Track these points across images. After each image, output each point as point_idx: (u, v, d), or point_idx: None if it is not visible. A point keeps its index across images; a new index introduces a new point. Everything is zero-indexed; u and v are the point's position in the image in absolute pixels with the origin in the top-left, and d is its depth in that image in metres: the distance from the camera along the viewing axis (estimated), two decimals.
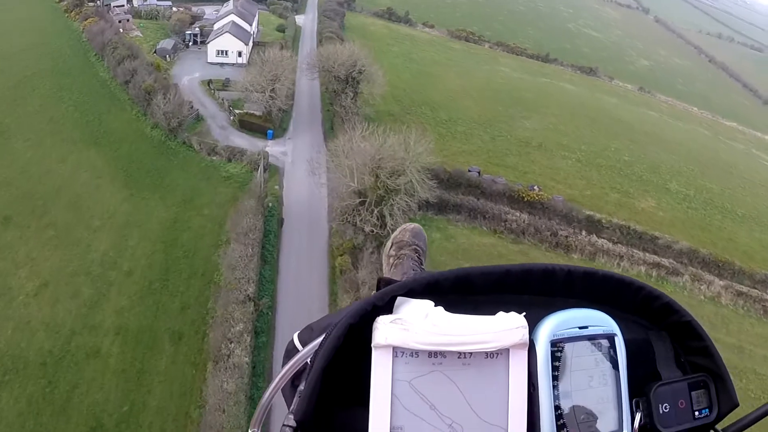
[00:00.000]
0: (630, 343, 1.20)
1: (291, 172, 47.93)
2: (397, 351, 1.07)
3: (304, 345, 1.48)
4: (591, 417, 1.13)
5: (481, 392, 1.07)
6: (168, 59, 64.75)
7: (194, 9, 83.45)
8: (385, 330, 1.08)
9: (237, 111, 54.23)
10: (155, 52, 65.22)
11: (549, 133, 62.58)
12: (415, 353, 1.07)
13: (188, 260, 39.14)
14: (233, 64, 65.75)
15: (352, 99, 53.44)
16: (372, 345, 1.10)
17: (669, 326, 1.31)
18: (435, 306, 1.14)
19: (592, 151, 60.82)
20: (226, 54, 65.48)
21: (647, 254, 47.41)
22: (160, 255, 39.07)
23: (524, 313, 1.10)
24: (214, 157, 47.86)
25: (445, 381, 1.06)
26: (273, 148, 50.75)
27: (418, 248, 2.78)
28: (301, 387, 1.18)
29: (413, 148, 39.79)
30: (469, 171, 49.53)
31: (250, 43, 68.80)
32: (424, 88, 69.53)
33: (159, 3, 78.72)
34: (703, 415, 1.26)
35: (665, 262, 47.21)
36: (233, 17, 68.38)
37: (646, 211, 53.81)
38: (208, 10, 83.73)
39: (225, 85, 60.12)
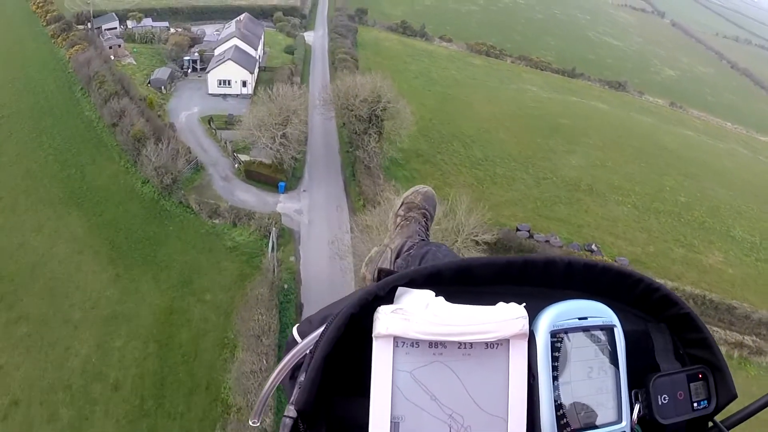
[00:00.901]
0: (629, 335, 1.17)
1: (308, 236, 39.00)
2: (397, 341, 1.05)
3: (303, 337, 1.45)
4: (590, 407, 1.10)
5: (482, 382, 1.05)
6: (164, 91, 55.80)
7: (194, 29, 74.36)
8: (386, 320, 1.06)
9: (242, 158, 45.37)
10: (149, 83, 56.18)
11: (596, 171, 53.74)
12: (415, 343, 1.05)
13: (188, 367, 30.41)
14: (237, 95, 56.68)
15: (376, 141, 44.73)
16: (373, 335, 1.07)
17: (668, 318, 1.27)
18: (436, 296, 1.12)
19: (647, 193, 52.01)
20: (229, 84, 56.51)
21: (727, 331, 39.22)
22: (153, 360, 30.34)
23: (524, 304, 1.08)
24: (217, 221, 39.00)
25: (445, 371, 1.05)
26: (286, 204, 41.89)
27: (426, 212, 2.68)
28: (301, 378, 1.14)
29: (464, 222, 31.23)
30: (518, 230, 40.77)
31: (256, 70, 59.82)
32: (452, 116, 60.68)
33: (155, 24, 69.66)
34: (701, 406, 1.23)
35: (748, 340, 39.00)
36: (236, 41, 59.24)
37: (714, 269, 45.12)
38: (209, 30, 74.64)
39: (228, 122, 51.22)
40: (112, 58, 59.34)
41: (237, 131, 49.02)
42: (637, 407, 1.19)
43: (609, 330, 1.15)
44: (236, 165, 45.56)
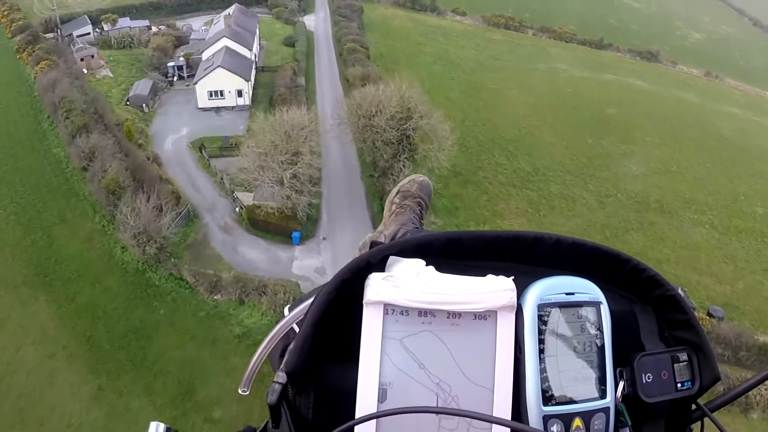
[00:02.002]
0: (615, 314, 1.16)
1: None
2: (388, 308, 1.04)
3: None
4: (575, 382, 1.09)
5: (469, 353, 1.04)
6: (146, 109, 45.62)
7: (179, 24, 63.47)
8: (376, 286, 1.04)
9: (244, 199, 35.66)
10: (128, 101, 46.23)
11: (662, 179, 44.04)
12: (405, 311, 1.04)
13: None
14: (232, 107, 46.49)
15: (409, 169, 35.09)
16: (363, 301, 1.06)
17: (653, 300, 1.25)
18: (426, 266, 1.10)
19: (722, 206, 42.40)
20: (222, 95, 46.18)
21: None
22: None
23: (513, 277, 1.07)
24: (219, 297, 29.73)
25: (434, 340, 1.04)
26: (303, 261, 32.36)
27: (422, 201, 2.58)
28: (291, 345, 1.11)
29: None
30: None
31: (252, 74, 49.43)
32: (485, 113, 50.59)
33: (133, 24, 58.74)
34: (685, 387, 1.22)
35: None
36: (226, 42, 48.33)
37: None
38: (197, 24, 63.62)
39: (223, 147, 41.46)
40: (85, 71, 48.96)
41: (234, 155, 39.53)
42: (621, 384, 1.16)
43: (596, 306, 1.11)
44: (237, 209, 36.03)
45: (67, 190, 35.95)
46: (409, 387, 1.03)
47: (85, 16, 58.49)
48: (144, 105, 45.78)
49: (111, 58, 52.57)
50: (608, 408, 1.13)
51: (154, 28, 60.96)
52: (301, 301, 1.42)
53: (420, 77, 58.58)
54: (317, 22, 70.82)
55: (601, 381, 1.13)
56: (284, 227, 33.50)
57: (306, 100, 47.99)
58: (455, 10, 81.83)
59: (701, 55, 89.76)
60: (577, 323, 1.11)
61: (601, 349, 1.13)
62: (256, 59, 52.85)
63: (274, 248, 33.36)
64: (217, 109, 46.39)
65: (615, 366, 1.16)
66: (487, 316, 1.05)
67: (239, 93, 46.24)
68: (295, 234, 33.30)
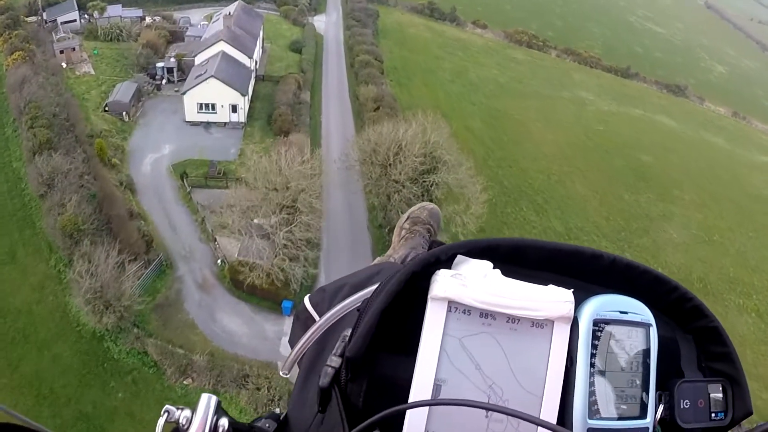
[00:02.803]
0: (660, 339, 1.16)
1: None
2: (451, 306, 1.03)
3: (315, 306, 1.48)
4: (620, 399, 1.10)
5: (524, 359, 1.04)
6: (127, 118, 39.22)
7: (176, 16, 56.69)
8: (444, 282, 1.03)
9: (226, 249, 29.67)
10: (106, 107, 39.79)
11: (704, 250, 38.46)
12: (467, 311, 1.03)
13: None
14: (225, 123, 40.12)
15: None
16: (429, 296, 1.05)
17: (695, 329, 1.24)
18: (493, 269, 1.11)
19: (767, 287, 37.40)
20: (213, 108, 39.52)
21: None
22: None
23: (572, 290, 1.06)
24: (189, 382, 23.95)
25: (492, 343, 1.03)
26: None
27: (431, 228, 2.62)
28: (347, 332, 1.12)
29: None
30: None
31: (251, 86, 43.00)
32: (509, 150, 44.57)
33: (125, 14, 51.96)
34: (718, 417, 1.21)
35: None
36: (223, 46, 41.60)
37: None
38: (196, 17, 56.69)
39: (209, 175, 35.33)
40: (64, 66, 42.31)
41: (221, 187, 33.56)
42: (660, 408, 1.16)
43: (646, 328, 1.11)
44: (219, 261, 29.93)
45: (23, 218, 29.64)
46: (463, 386, 1.01)
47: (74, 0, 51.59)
48: (124, 113, 39.27)
49: (95, 52, 45.87)
50: (647, 429, 1.12)
51: (147, 19, 54.08)
52: (324, 292, 1.50)
53: (437, 98, 52.77)
54: (328, 24, 64.26)
55: (643, 402, 1.11)
56: (273, 293, 27.49)
57: (309, 123, 41.84)
58: (476, 23, 75.52)
59: (726, 91, 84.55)
60: (626, 342, 1.09)
61: (647, 371, 1.10)
62: (257, 66, 46.38)
63: (260, 319, 27.32)
64: (207, 125, 40.02)
65: (656, 389, 1.14)
66: (544, 324, 1.04)
67: (233, 108, 39.86)
68: (287, 304, 27.20)
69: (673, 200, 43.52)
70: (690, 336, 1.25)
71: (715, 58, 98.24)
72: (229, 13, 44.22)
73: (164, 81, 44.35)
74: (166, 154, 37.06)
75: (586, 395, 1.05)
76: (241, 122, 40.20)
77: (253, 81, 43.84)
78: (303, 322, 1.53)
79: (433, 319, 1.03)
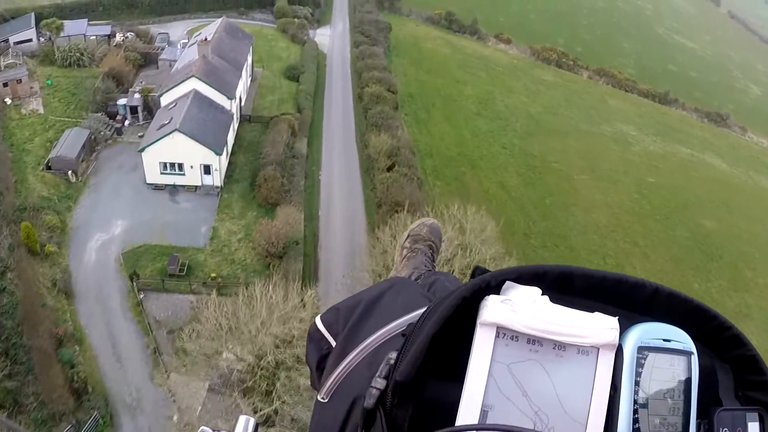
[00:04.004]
0: (699, 367, 1.12)
1: None
2: (499, 332, 1.00)
3: (328, 327, 1.43)
4: (662, 427, 1.06)
5: (569, 386, 1.01)
6: (74, 178, 28.97)
7: (154, 31, 45.83)
8: (494, 308, 1.00)
9: (183, 409, 19.85)
10: (48, 164, 29.41)
11: None
12: (515, 337, 1.00)
13: None
14: (196, 187, 29.95)
15: None
16: (478, 321, 1.01)
17: (733, 358, 1.19)
18: (542, 295, 1.08)
19: None
20: (181, 169, 29.74)
21: None
22: None
23: (617, 317, 1.04)
24: None
25: (539, 370, 1.00)
26: None
27: (432, 245, 2.47)
28: (391, 355, 1.09)
29: None
30: None
31: (231, 135, 32.62)
32: (553, 220, 33.91)
33: (91, 32, 41.08)
34: None
35: None
36: (196, 83, 30.67)
37: None
38: (177, 32, 45.68)
39: (168, 273, 25.10)
40: (8, 101, 31.97)
41: (185, 295, 23.46)
42: None
43: (688, 357, 1.08)
44: (175, 416, 19.91)
45: None
46: (509, 412, 0.98)
47: (32, 14, 40.73)
48: (70, 172, 28.87)
49: (49, 82, 35.18)
50: None
51: (118, 37, 43.25)
52: (337, 311, 1.43)
53: (462, 140, 42.12)
54: (333, 38, 53.26)
55: (684, 430, 1.08)
56: None
57: (305, 185, 31.39)
58: (499, 37, 64.44)
59: (761, 114, 74.20)
60: (669, 370, 1.06)
61: (688, 399, 1.08)
62: (242, 104, 35.74)
63: None
64: (174, 189, 29.57)
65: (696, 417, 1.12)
66: (589, 351, 1.01)
67: (206, 169, 29.49)
68: None
69: (747, 285, 33.59)
70: (727, 365, 1.18)
71: (749, 77, 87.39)
72: (206, 39, 33.29)
73: (127, 122, 33.83)
74: (118, 234, 26.74)
75: (630, 422, 1.02)
76: (217, 187, 29.79)
77: (235, 126, 33.30)
78: (317, 343, 1.45)
79: (482, 345, 0.99)
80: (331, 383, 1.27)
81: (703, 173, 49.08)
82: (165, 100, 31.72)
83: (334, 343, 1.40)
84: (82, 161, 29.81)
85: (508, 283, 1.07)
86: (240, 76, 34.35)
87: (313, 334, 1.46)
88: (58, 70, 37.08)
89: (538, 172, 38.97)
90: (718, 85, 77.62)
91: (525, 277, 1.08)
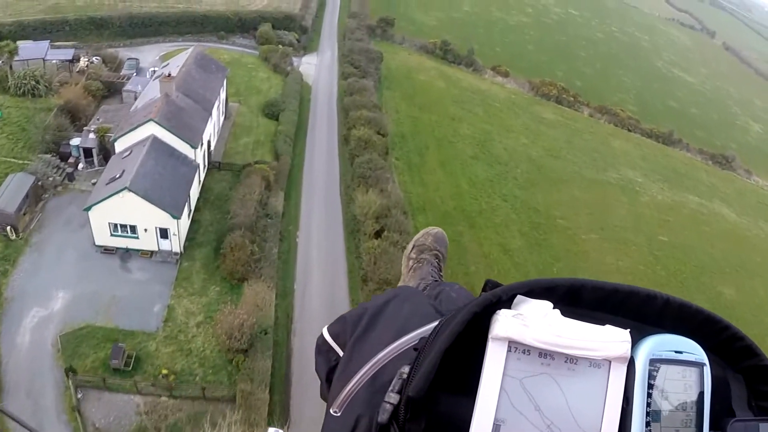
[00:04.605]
0: (712, 378, 1.13)
1: None
2: (511, 346, 1.00)
3: (335, 337, 1.44)
4: None
5: (582, 399, 1.01)
6: (13, 235, 23.99)
7: (124, 54, 41.42)
8: (506, 322, 1.01)
9: None
10: None
11: None
12: (527, 351, 1.00)
13: None
14: (151, 253, 24.89)
15: None
16: (490, 335, 1.02)
17: (746, 368, 1.19)
18: (553, 308, 1.08)
19: None
20: (134, 231, 25.18)
21: None
22: None
23: (629, 330, 1.04)
24: None
25: (551, 384, 1.00)
26: None
27: (438, 253, 2.46)
28: (404, 369, 1.09)
29: None
30: None
31: (195, 189, 27.87)
32: None
33: (51, 56, 36.48)
34: None
35: None
36: (154, 128, 26.02)
37: None
38: (149, 57, 41.36)
39: (110, 366, 20.69)
40: None
41: (132, 396, 18.86)
42: None
43: (700, 368, 1.08)
44: None
45: None
46: (522, 426, 0.98)
47: None
48: (9, 228, 24.21)
49: (1, 115, 30.84)
50: None
51: (82, 61, 38.80)
52: (344, 321, 1.43)
53: (459, 191, 37.76)
54: (320, 68, 49.11)
55: None
56: None
57: (279, 252, 26.95)
58: (496, 69, 60.74)
59: (763, 154, 71.54)
60: (681, 382, 1.06)
61: (700, 410, 1.07)
62: (211, 149, 31.39)
63: None
64: (126, 253, 25.05)
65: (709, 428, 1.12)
66: (601, 364, 1.01)
67: (163, 233, 25.00)
68: None
69: None
70: (740, 375, 1.18)
71: (748, 113, 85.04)
72: (169, 74, 28.75)
73: (80, 165, 29.28)
74: (58, 310, 22.08)
75: None
76: (176, 253, 25.27)
77: (201, 176, 28.89)
78: (325, 355, 1.46)
79: (494, 359, 0.99)
80: (344, 397, 1.24)
81: (714, 227, 45.49)
82: (120, 146, 27.11)
83: (342, 354, 1.38)
84: (25, 214, 25.12)
85: (519, 297, 1.07)
86: (209, 117, 29.92)
87: (321, 346, 1.45)
88: (11, 99, 32.51)
89: (543, 231, 34.91)
90: (719, 123, 74.92)
91: (536, 290, 1.08)
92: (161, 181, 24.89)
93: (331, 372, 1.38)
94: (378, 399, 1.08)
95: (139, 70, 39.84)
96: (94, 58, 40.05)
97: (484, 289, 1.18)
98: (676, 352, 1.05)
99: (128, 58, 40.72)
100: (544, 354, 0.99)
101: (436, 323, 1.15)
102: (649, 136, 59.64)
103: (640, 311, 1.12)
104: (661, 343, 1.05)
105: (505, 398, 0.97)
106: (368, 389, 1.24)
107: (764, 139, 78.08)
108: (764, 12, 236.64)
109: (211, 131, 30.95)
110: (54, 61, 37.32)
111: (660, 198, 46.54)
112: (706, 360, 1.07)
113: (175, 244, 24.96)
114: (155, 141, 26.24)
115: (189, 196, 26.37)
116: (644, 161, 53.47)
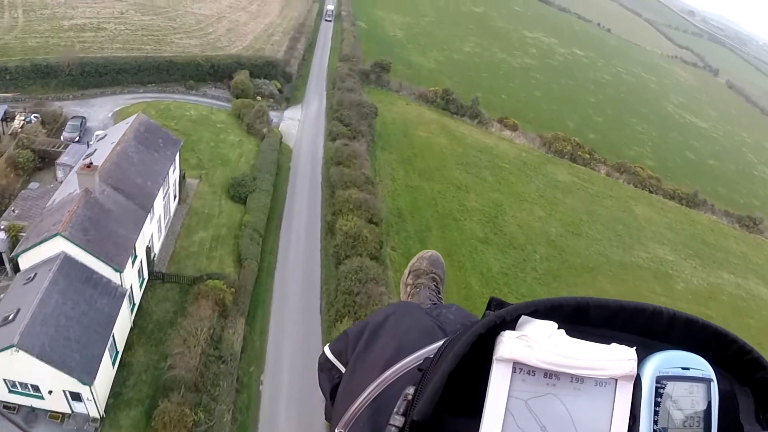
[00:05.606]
0: (719, 392, 1.12)
1: None
2: (516, 367, 0.99)
3: (338, 355, 1.43)
4: None
5: (588, 419, 1.00)
6: None
7: (69, 110, 34.47)
8: (510, 344, 1.00)
9: None
10: None
11: None
12: (532, 371, 0.99)
13: None
14: (63, 417, 17.18)
15: None
16: (494, 357, 1.01)
17: (753, 381, 1.18)
18: (558, 329, 1.07)
19: None
20: (37, 390, 17.20)
21: None
22: None
23: (635, 347, 1.03)
24: None
25: (557, 404, 0.99)
26: None
27: (435, 276, 2.42)
28: (409, 390, 1.08)
29: None
30: None
31: (128, 318, 20.42)
32: None
33: None
34: None
35: None
36: (65, 245, 18.67)
37: None
38: (101, 114, 34.61)
39: None
40: None
41: None
42: None
43: (707, 383, 1.07)
44: None
45: None
46: None
47: None
48: None
49: None
50: None
51: (17, 120, 31.86)
52: (347, 337, 1.42)
53: (469, 290, 30.96)
54: (304, 124, 42.16)
55: None
56: None
57: (233, 415, 19.62)
58: (503, 122, 54.20)
59: None
60: (688, 398, 1.05)
61: (708, 426, 1.06)
62: (153, 256, 24.12)
63: None
64: (32, 413, 17.79)
65: None
66: (607, 383, 1.00)
67: (75, 395, 17.78)
68: None
69: None
70: (747, 388, 1.17)
71: (763, 160, 79.55)
72: (90, 164, 21.13)
73: None
74: None
75: None
76: (94, 419, 17.96)
77: (136, 300, 21.67)
78: (328, 373, 1.46)
79: (498, 381, 0.98)
80: (349, 417, 1.22)
81: (757, 316, 38.95)
82: (25, 263, 19.93)
83: (344, 370, 1.38)
84: None
85: (523, 317, 1.05)
86: (148, 217, 22.71)
87: (324, 364, 1.45)
88: None
89: None
90: (738, 175, 69.00)
91: (540, 311, 1.06)
92: (69, 327, 17.61)
93: (334, 389, 1.35)
94: (383, 419, 1.05)
95: (84, 132, 32.86)
96: (32, 116, 33.07)
97: (488, 307, 1.14)
98: (683, 368, 1.02)
99: (72, 117, 33.67)
100: (550, 374, 0.97)
101: (440, 343, 1.12)
102: (671, 197, 53.21)
103: (646, 327, 1.09)
104: (668, 360, 1.02)
105: (510, 420, 0.96)
106: (373, 409, 1.20)
107: None
108: (759, 46, 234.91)
109: (154, 232, 23.76)
110: None
111: (696, 283, 39.88)
112: (713, 375, 1.04)
113: (92, 407, 17.63)
114: (66, 261, 18.99)
115: (113, 336, 19.09)
116: (671, 231, 46.91)
